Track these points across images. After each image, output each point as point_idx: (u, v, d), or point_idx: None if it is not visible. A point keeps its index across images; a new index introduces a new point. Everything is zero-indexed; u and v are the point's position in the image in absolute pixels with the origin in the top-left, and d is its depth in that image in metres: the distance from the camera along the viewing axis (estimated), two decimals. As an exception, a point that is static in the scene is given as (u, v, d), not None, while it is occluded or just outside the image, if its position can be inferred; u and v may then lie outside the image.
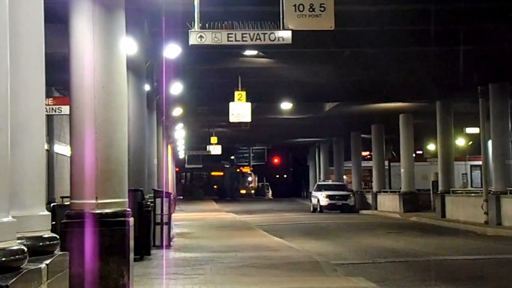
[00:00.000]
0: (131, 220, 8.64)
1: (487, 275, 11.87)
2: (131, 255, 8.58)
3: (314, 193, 39.91)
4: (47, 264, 3.74)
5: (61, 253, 4.30)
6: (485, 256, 14.74)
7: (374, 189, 38.48)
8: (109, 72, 8.53)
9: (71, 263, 7.93)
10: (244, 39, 10.25)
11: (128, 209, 8.60)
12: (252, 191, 71.39)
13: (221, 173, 68.34)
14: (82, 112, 8.39)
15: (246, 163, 71.75)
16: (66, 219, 8.28)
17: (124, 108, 8.84)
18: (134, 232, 9.24)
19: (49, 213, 4.37)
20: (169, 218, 15.72)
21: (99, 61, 8.42)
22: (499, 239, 19.47)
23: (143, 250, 12.98)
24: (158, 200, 15.72)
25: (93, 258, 8.14)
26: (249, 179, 71.71)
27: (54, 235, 4.15)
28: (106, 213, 8.31)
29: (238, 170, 70.60)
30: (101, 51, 8.45)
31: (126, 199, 8.70)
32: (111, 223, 8.30)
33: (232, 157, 74.36)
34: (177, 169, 57.59)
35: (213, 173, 68.06)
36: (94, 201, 8.31)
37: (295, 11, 9.93)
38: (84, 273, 8.09)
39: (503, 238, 19.95)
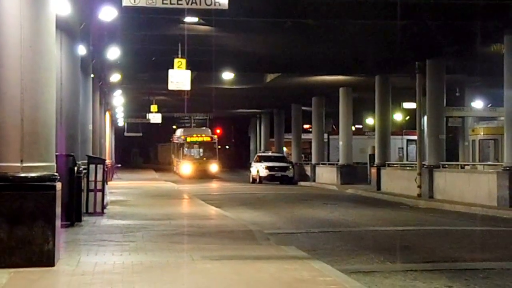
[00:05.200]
0: (59, 185, 8.41)
1: (415, 246, 12.17)
2: (58, 221, 8.36)
3: (254, 164, 40.09)
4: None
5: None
6: (415, 228, 15.11)
7: (313, 161, 38.90)
8: (37, 31, 8.19)
9: (-8, 227, 7.75)
10: (179, 2, 10.04)
11: (56, 174, 8.36)
12: None
13: None
14: (7, 71, 8.06)
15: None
16: (-12, 182, 7.98)
17: (53, 69, 8.53)
18: (63, 198, 9.03)
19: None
20: (103, 185, 15.46)
21: (26, 19, 8.08)
22: (430, 211, 20.00)
23: (74, 217, 12.72)
24: (92, 167, 15.44)
25: (17, 222, 7.90)
26: None
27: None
28: (32, 177, 8.05)
29: None
30: (28, 8, 8.10)
31: (54, 163, 8.44)
32: (37, 187, 8.06)
33: (174, 127, 73.83)
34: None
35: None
36: (19, 164, 8.04)
37: (233, -24, 9.78)
38: (7, 238, 7.85)
39: (433, 210, 20.51)
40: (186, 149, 45.82)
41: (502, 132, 21.32)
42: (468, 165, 26.37)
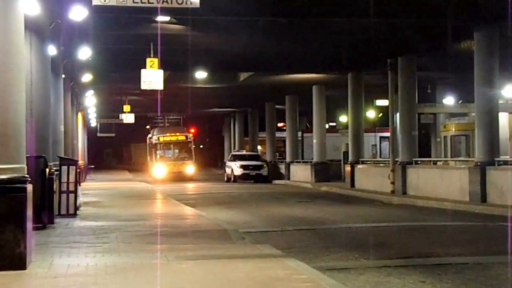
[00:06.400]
0: (30, 187, 8.30)
1: (389, 242, 12.25)
2: (29, 223, 8.25)
3: (228, 163, 40.01)
4: None
5: None
6: (389, 224, 15.22)
7: (287, 159, 38.98)
8: (5, 31, 8.08)
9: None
10: (150, 1, 9.96)
11: (26, 176, 8.25)
12: None
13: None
14: (-25, 73, 7.93)
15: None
16: (-43, 186, 7.85)
17: (22, 69, 8.42)
18: (34, 200, 8.92)
19: None
20: (76, 186, 15.31)
21: (-7, 19, 7.96)
22: (403, 208, 20.16)
23: (46, 219, 12.57)
24: (64, 168, 15.27)
25: (-13, 226, 7.78)
26: None
27: None
28: (2, 179, 7.94)
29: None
30: (-4, 8, 7.98)
31: (24, 165, 8.33)
32: (7, 190, 7.95)
33: (148, 127, 73.45)
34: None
35: None
36: (-12, 167, 7.91)
37: (204, -26, 9.73)
38: (-23, 241, 7.72)
39: (407, 206, 20.68)
40: (159, 149, 42.39)
41: (473, 128, 21.57)
42: (440, 161, 26.64)
